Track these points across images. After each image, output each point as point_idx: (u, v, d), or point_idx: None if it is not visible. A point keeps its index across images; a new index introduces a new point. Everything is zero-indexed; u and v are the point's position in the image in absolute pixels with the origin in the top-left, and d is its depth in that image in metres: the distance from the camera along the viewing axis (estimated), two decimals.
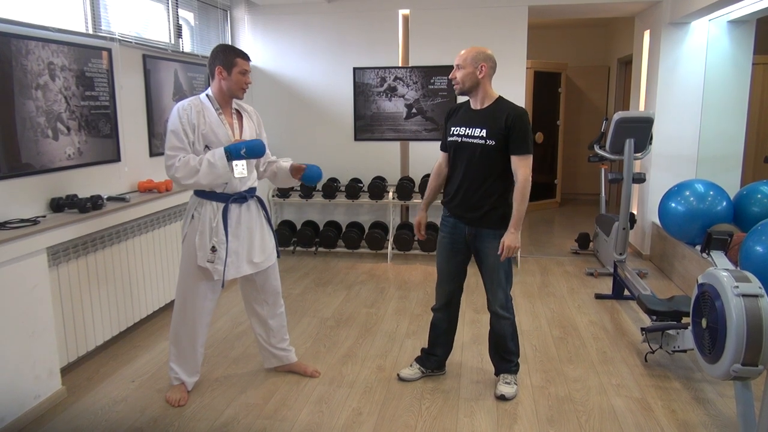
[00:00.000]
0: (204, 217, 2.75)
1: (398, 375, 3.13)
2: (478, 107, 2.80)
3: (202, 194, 2.78)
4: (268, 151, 2.90)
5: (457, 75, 2.78)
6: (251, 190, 2.89)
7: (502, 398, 2.89)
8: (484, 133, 2.72)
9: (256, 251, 2.88)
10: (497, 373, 3.04)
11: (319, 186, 5.66)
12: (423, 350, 3.18)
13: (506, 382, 2.96)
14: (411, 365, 3.17)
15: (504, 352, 2.98)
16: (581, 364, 3.32)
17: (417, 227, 3.06)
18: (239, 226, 2.82)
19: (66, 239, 2.98)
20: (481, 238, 2.83)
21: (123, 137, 3.75)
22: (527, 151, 2.71)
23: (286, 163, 2.99)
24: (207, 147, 2.71)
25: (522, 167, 2.70)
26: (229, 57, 2.71)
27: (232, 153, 2.64)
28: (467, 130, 2.78)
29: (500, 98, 2.80)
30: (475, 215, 2.81)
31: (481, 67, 2.73)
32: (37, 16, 3.16)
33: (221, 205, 2.76)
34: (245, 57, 2.75)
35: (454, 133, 2.83)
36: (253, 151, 2.69)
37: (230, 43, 5.68)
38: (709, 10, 4.52)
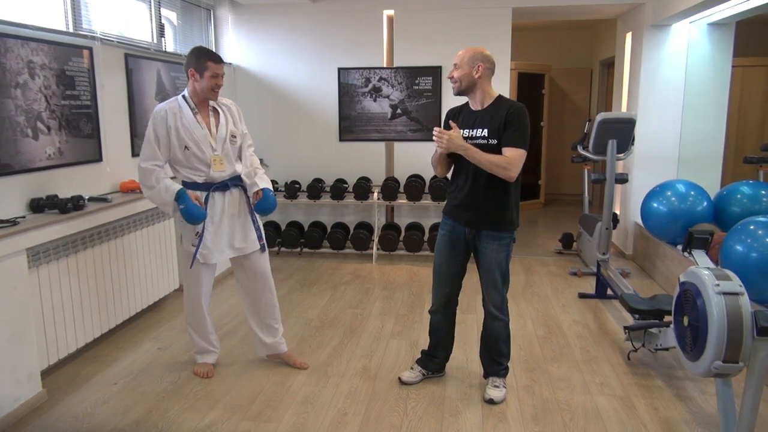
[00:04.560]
0: None
1: (399, 378, 3.08)
2: (479, 108, 2.77)
3: (187, 184, 2.93)
4: (252, 145, 3.14)
5: (455, 74, 2.76)
6: (234, 179, 3.01)
7: (491, 402, 2.87)
8: (486, 132, 2.70)
9: (238, 237, 3.03)
10: (486, 376, 3.02)
11: (304, 186, 5.64)
12: (424, 352, 3.15)
13: (495, 386, 2.94)
14: (412, 368, 3.13)
15: (495, 354, 2.96)
16: (565, 363, 3.34)
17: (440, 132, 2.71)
18: (223, 212, 2.98)
19: (46, 240, 2.93)
20: (480, 238, 2.81)
21: (105, 137, 3.71)
22: (521, 144, 2.65)
23: (258, 182, 3.07)
24: (186, 148, 2.85)
25: (513, 160, 2.63)
26: (201, 60, 2.82)
27: (179, 199, 2.81)
28: (471, 132, 2.75)
29: (500, 97, 2.77)
30: (475, 215, 2.79)
31: (478, 67, 2.71)
32: (16, 14, 3.11)
33: (204, 194, 2.92)
34: (217, 60, 2.85)
35: (462, 135, 2.77)
36: (188, 217, 2.82)
37: (214, 43, 5.64)
38: (690, 12, 4.58)
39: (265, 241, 3.15)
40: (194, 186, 2.91)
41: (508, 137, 2.66)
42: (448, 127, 2.82)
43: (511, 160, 2.64)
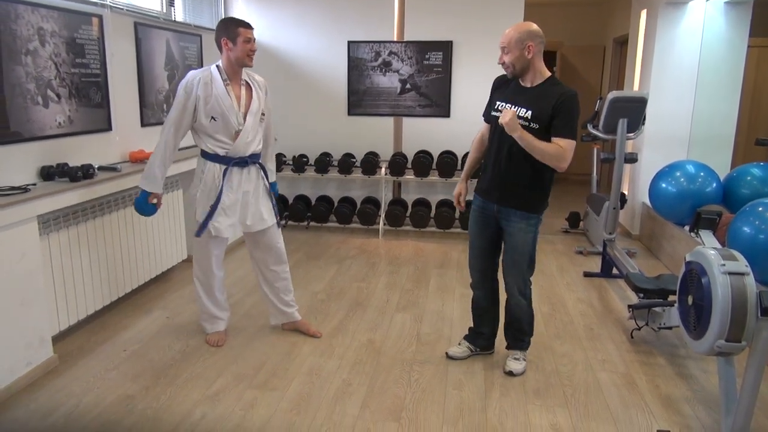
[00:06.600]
0: (207, 178, 2.99)
1: (447, 353, 3.10)
2: (528, 85, 2.68)
3: (207, 156, 3.00)
4: (275, 135, 3.29)
5: (506, 59, 2.63)
6: (253, 156, 3.05)
7: (510, 374, 2.92)
8: (529, 114, 2.61)
9: (251, 213, 3.08)
10: (508, 349, 3.05)
11: (312, 160, 5.64)
12: (470, 329, 3.15)
13: (515, 358, 2.98)
14: (459, 343, 3.14)
15: (517, 332, 2.99)
16: (569, 339, 3.37)
17: (456, 199, 3.01)
18: (239, 188, 3.02)
19: (57, 208, 2.96)
20: (507, 217, 2.78)
21: (114, 106, 3.71)
22: (571, 134, 2.58)
23: (269, 174, 3.23)
24: (213, 118, 2.90)
25: (566, 151, 2.57)
26: (231, 28, 2.90)
27: (141, 194, 2.98)
28: (513, 108, 2.65)
29: (552, 77, 2.68)
30: (504, 194, 2.75)
31: (528, 47, 2.58)
32: None
33: (223, 167, 2.97)
34: (247, 25, 2.94)
35: (500, 108, 2.71)
36: (138, 208, 3.02)
37: (224, 14, 5.59)
38: None
39: (278, 218, 3.22)
40: (215, 158, 2.97)
41: (559, 126, 2.58)
42: (491, 96, 2.84)
43: (564, 151, 2.57)
